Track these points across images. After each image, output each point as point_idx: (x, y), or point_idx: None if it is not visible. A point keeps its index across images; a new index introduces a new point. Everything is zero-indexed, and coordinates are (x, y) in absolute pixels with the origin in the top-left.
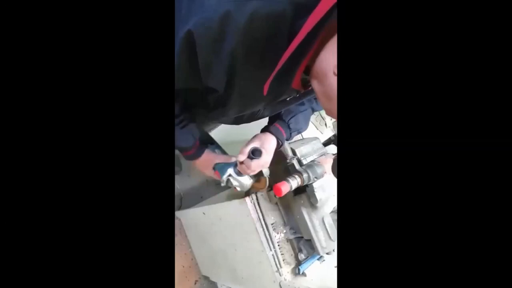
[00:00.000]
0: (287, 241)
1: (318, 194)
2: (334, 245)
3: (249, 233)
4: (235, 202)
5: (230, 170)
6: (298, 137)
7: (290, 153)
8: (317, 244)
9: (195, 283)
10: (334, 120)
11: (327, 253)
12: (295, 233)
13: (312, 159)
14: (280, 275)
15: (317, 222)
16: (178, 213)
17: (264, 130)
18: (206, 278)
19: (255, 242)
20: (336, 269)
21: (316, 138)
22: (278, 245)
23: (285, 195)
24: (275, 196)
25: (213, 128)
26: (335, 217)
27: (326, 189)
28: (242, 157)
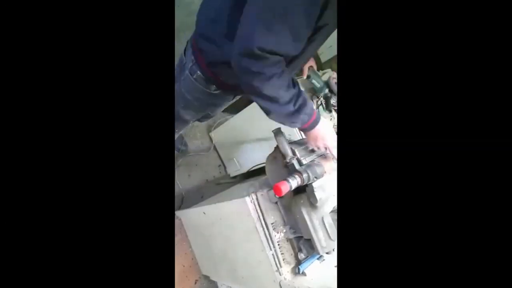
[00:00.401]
0: (287, 241)
1: (318, 194)
2: (333, 244)
3: (249, 233)
4: (236, 201)
5: None
6: (298, 137)
7: (290, 153)
8: (317, 244)
9: (195, 283)
10: (334, 121)
11: (326, 253)
12: (295, 232)
13: (312, 159)
14: (280, 275)
15: (316, 222)
16: (178, 213)
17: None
18: (206, 277)
19: (255, 242)
20: (336, 268)
21: None
22: (278, 245)
23: (285, 194)
24: (275, 195)
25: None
26: (335, 216)
27: (326, 189)
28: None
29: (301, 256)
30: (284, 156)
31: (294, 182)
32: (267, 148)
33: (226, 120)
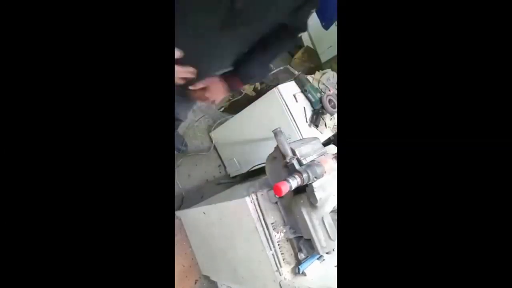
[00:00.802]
0: (287, 241)
1: (318, 194)
2: (334, 244)
3: (249, 233)
4: (235, 201)
5: None
6: (298, 137)
7: (290, 153)
8: (317, 244)
9: (195, 283)
10: (334, 121)
11: (326, 253)
12: (295, 232)
13: (312, 159)
14: (280, 275)
15: (316, 222)
16: (178, 213)
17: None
18: (206, 277)
19: (255, 242)
20: (336, 268)
21: (316, 138)
22: (278, 245)
23: (285, 194)
24: (275, 195)
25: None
26: (335, 216)
27: (326, 189)
28: None
29: (301, 256)
30: (284, 156)
31: (294, 182)
32: (267, 148)
33: (226, 120)
